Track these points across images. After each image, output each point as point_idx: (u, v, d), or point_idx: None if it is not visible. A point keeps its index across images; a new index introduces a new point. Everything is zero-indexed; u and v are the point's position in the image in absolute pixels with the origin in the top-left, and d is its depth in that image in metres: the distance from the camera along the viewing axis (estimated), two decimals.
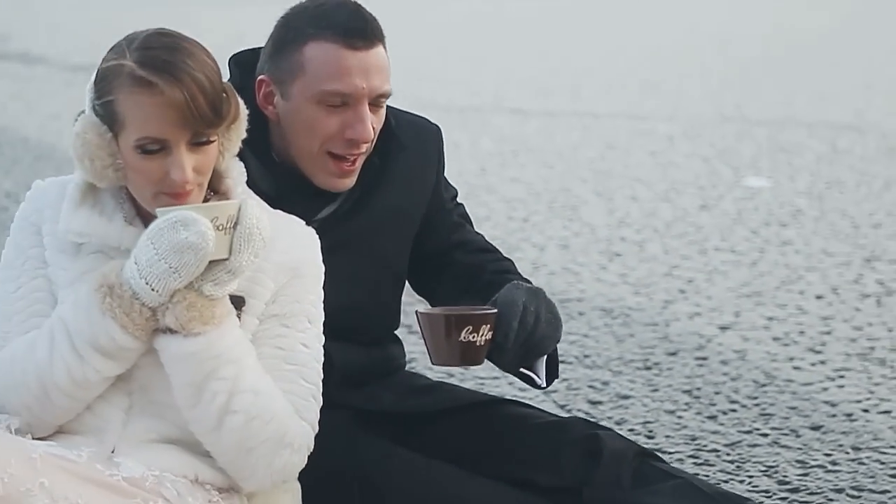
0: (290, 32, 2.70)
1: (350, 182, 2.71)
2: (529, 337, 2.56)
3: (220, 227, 2.37)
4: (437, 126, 2.91)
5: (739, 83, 10.97)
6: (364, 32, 2.67)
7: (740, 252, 5.59)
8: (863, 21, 16.09)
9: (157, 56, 2.35)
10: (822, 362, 4.19)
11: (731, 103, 9.89)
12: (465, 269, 2.85)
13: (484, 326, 2.53)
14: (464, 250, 2.89)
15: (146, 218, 2.45)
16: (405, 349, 2.97)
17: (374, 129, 2.67)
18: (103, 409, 2.46)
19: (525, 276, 2.83)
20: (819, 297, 4.91)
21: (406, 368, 2.99)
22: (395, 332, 2.94)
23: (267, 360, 2.47)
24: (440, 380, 3.05)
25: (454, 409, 2.84)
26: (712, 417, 3.74)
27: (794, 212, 6.34)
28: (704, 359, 4.23)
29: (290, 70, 2.67)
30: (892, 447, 3.53)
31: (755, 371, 4.11)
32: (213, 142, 2.40)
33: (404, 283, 2.90)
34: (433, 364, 2.59)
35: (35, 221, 2.53)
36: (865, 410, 3.79)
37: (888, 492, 3.23)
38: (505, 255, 2.93)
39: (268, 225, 2.42)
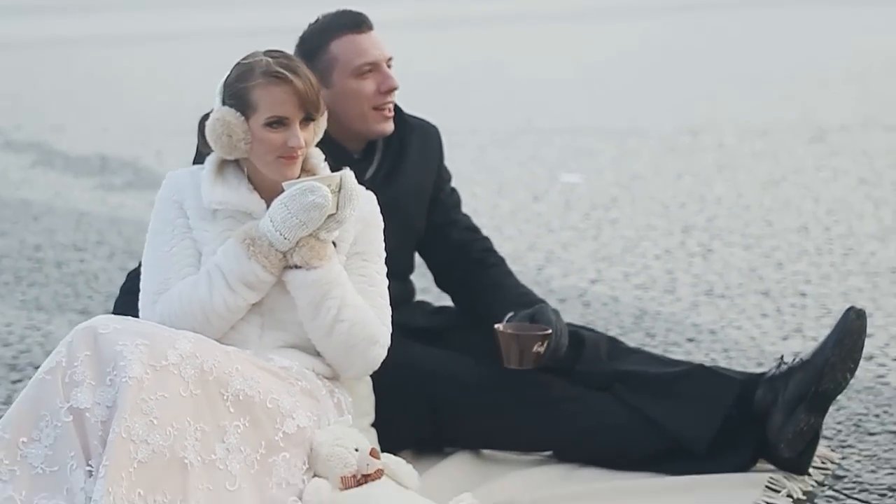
0: (312, 44, 3.76)
1: (391, 126, 3.76)
2: (556, 346, 3.64)
3: (332, 192, 3.40)
4: (435, 126, 4.00)
5: (522, 100, 12.21)
6: (365, 20, 3.78)
7: (581, 229, 6.76)
8: (620, 40, 17.57)
9: (281, 61, 3.36)
10: (679, 300, 5.38)
11: (522, 118, 11.10)
12: (457, 244, 3.95)
13: (547, 341, 3.57)
14: (457, 227, 3.98)
15: (260, 189, 3.44)
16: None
17: None
18: (243, 327, 3.40)
19: None
20: (657, 257, 6.12)
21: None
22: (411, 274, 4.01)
23: (355, 285, 3.48)
24: (442, 305, 4.12)
25: (466, 324, 3.92)
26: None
27: (611, 199, 7.55)
28: (588, 303, 5.37)
29: (327, 66, 3.71)
30: (751, 348, 4.73)
31: (630, 307, 5.27)
32: (314, 122, 3.42)
33: (420, 237, 3.96)
34: (506, 366, 3.56)
35: (177, 199, 3.46)
36: (723, 327, 4.99)
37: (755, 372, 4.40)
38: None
39: (358, 188, 3.46)
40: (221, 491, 3.08)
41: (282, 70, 3.35)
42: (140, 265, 3.65)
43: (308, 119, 3.39)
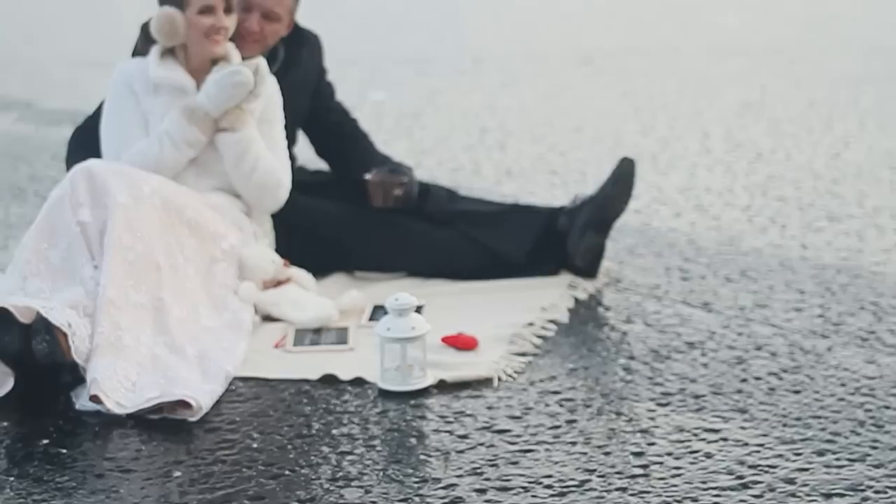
0: None
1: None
2: (410, 191, 4.93)
3: (252, 74, 4.60)
4: (318, 34, 5.21)
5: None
6: None
7: (396, 132, 8.00)
8: None
9: None
10: (485, 178, 6.68)
11: None
12: (333, 122, 5.19)
13: (404, 187, 4.87)
14: (333, 111, 5.22)
15: (191, 71, 4.59)
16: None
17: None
18: (184, 175, 4.55)
19: None
20: (463, 150, 7.41)
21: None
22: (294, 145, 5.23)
23: (264, 144, 4.70)
24: (318, 168, 5.34)
25: (338, 181, 5.17)
26: None
27: (417, 110, 8.81)
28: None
29: None
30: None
31: (448, 184, 6.54)
32: (231, 13, 4.58)
33: (305, 118, 5.18)
34: (374, 208, 4.86)
35: (127, 82, 4.62)
36: (524, 195, 6.30)
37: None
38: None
39: (269, 73, 4.67)
40: (183, 287, 4.26)
41: None
42: (79, 125, 4.82)
43: (227, 10, 4.56)
